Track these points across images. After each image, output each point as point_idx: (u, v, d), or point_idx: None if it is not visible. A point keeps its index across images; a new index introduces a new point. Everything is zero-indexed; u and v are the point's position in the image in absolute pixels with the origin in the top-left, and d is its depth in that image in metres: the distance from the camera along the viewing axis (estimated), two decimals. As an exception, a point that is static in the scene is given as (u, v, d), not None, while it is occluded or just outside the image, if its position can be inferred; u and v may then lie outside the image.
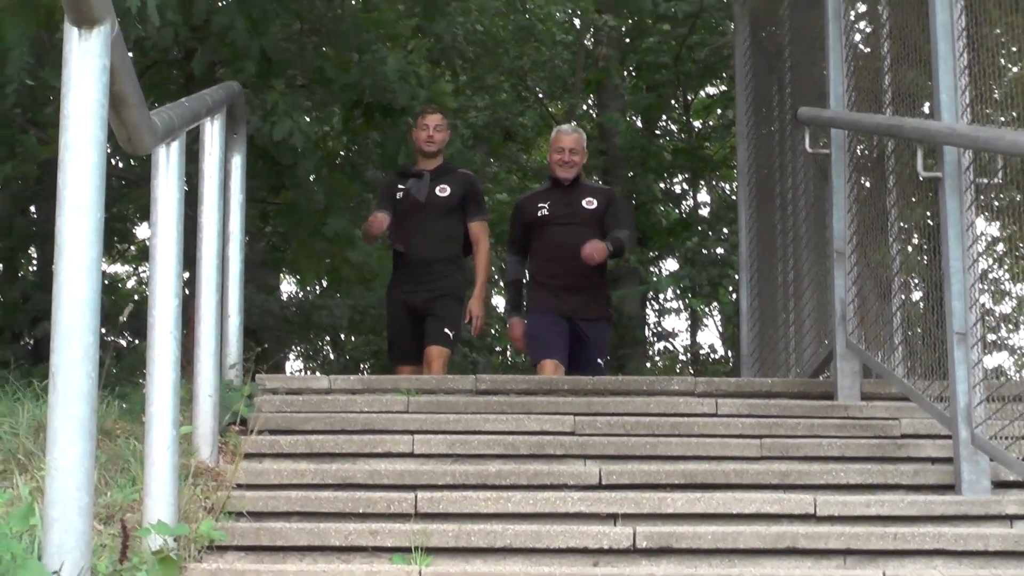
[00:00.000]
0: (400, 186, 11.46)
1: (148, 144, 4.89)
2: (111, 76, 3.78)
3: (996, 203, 7.38)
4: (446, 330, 11.17)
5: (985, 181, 6.70)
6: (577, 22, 22.68)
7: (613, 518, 6.20)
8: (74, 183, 3.63)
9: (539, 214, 11.24)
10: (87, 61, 3.67)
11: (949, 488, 6.68)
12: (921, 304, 7.87)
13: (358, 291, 18.91)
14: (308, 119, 13.97)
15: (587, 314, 11.15)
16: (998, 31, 6.92)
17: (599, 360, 11.28)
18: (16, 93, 8.48)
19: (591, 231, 11.00)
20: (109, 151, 3.80)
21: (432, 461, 6.96)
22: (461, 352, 18.78)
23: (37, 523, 3.99)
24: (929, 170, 6.91)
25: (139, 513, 5.31)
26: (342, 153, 16.85)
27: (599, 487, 6.62)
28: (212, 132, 6.70)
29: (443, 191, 11.35)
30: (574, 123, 12.30)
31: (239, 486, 6.44)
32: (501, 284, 22.06)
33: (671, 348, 27.55)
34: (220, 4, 13.63)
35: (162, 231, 5.24)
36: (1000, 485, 6.60)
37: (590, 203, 11.21)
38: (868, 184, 8.42)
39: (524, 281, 11.92)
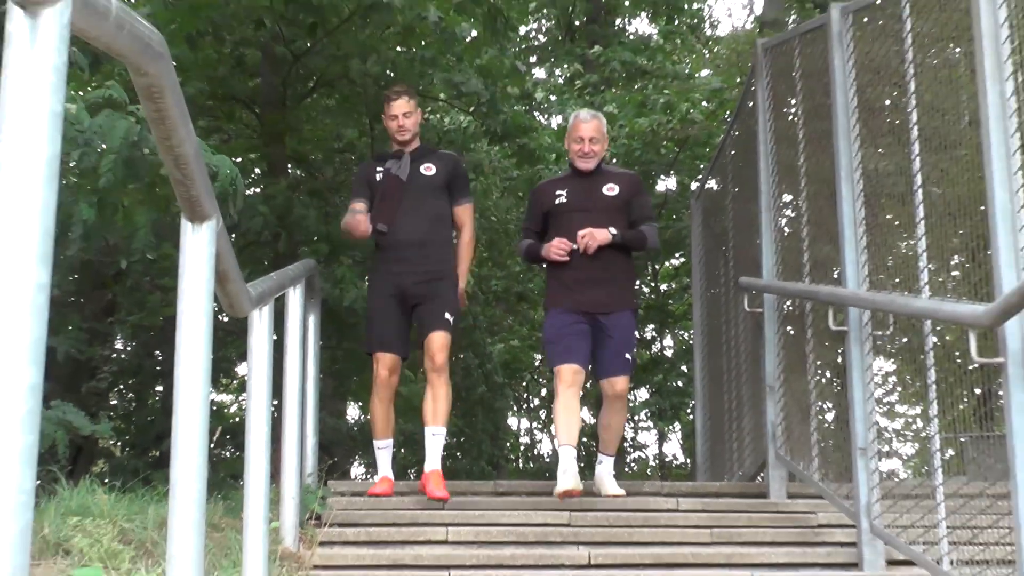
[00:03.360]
0: (379, 168, 8.70)
1: (246, 309, 4.92)
2: (216, 259, 3.81)
3: (889, 347, 7.38)
4: (447, 315, 8.34)
5: (880, 333, 6.72)
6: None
7: (599, 591, 6.17)
8: (188, 341, 3.65)
9: (556, 201, 8.41)
10: (198, 249, 3.69)
11: (854, 566, 6.66)
12: (832, 425, 7.86)
13: (406, 416, 18.88)
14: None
15: (609, 307, 8.21)
16: (889, 216, 6.96)
17: (627, 355, 8.26)
18: (141, 264, 8.55)
19: (612, 219, 8.26)
20: (216, 309, 3.84)
21: (462, 547, 6.93)
22: (480, 466, 18.54)
23: (160, 598, 3.99)
24: (838, 325, 6.94)
25: (238, 589, 5.30)
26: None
27: (589, 566, 6.60)
28: (294, 298, 6.73)
29: (428, 169, 8.60)
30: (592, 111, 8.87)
31: (315, 567, 6.42)
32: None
33: (643, 457, 27.49)
34: (299, 198, 13.75)
35: (256, 374, 5.26)
36: (892, 563, 6.58)
37: (611, 189, 8.39)
38: (792, 333, 8.43)
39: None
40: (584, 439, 24.69)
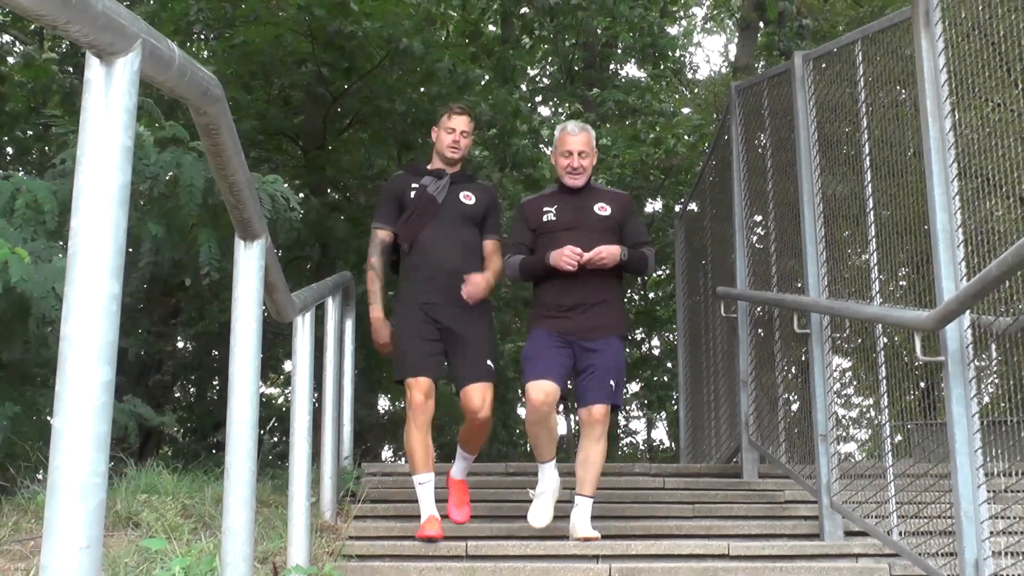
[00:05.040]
0: (414, 185, 7.06)
1: (291, 315, 4.92)
2: (265, 271, 3.82)
3: (846, 347, 7.37)
4: (488, 362, 6.81)
5: (838, 335, 6.72)
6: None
7: (596, 558, 6.15)
8: (241, 343, 3.66)
9: (544, 219, 6.79)
10: (249, 263, 3.70)
11: (816, 536, 6.65)
12: (796, 414, 7.85)
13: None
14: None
15: (596, 334, 6.59)
16: (846, 234, 6.95)
17: (611, 381, 6.53)
18: (207, 278, 8.56)
19: (604, 240, 6.64)
20: (264, 313, 3.88)
21: (477, 520, 6.92)
22: (496, 446, 18.51)
23: (217, 566, 3.99)
24: (802, 328, 6.93)
25: (284, 557, 5.30)
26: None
27: (588, 536, 6.59)
28: (333, 305, 6.74)
29: (468, 198, 7.07)
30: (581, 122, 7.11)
31: (350, 538, 6.42)
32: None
33: (634, 442, 27.48)
34: (333, 215, 13.82)
35: (299, 371, 5.27)
36: (849, 534, 6.57)
37: (603, 209, 6.78)
38: (762, 335, 8.42)
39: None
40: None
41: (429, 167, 7.19)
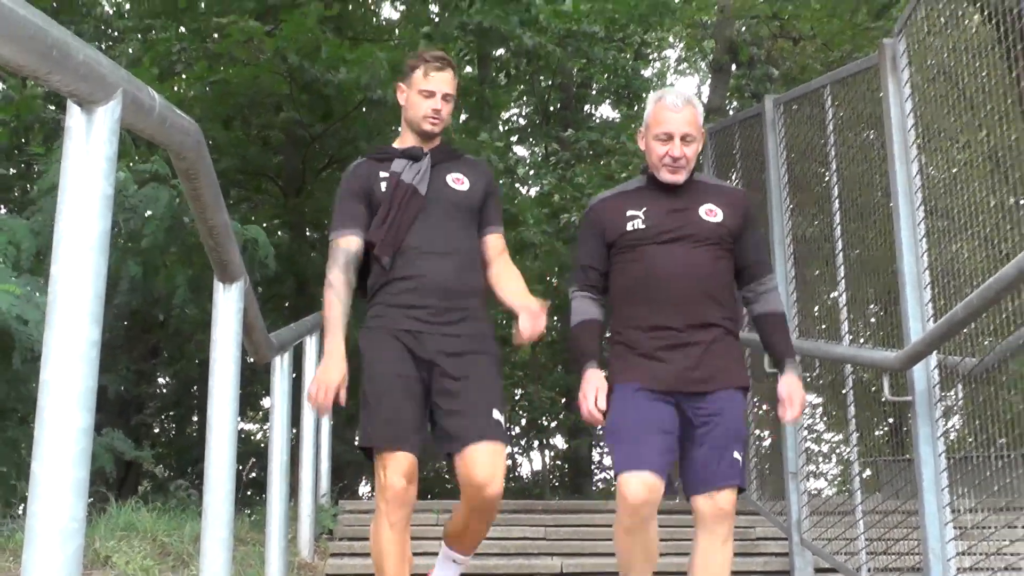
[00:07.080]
0: (383, 174, 4.53)
1: (269, 356, 4.92)
2: (243, 313, 3.82)
3: (817, 383, 7.39)
4: (495, 413, 4.29)
5: (808, 374, 6.74)
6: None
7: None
8: (220, 383, 3.66)
9: (629, 227, 4.41)
10: (228, 305, 3.71)
11: (786, 573, 6.66)
12: (767, 451, 7.86)
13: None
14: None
15: (709, 386, 4.30)
16: (816, 272, 6.99)
17: (736, 453, 4.35)
18: (178, 318, 8.60)
19: (714, 255, 4.37)
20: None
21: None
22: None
23: (194, 603, 3.98)
24: (772, 367, 6.94)
25: (261, 594, 5.28)
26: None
27: (561, 575, 6.58)
28: (311, 345, 6.72)
29: (459, 182, 4.59)
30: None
31: (328, 575, 6.40)
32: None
33: (608, 477, 27.48)
34: (312, 256, 13.82)
35: (277, 411, 5.26)
36: (820, 571, 6.57)
37: (711, 212, 4.41)
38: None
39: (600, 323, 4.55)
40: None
41: (397, 145, 4.74)
